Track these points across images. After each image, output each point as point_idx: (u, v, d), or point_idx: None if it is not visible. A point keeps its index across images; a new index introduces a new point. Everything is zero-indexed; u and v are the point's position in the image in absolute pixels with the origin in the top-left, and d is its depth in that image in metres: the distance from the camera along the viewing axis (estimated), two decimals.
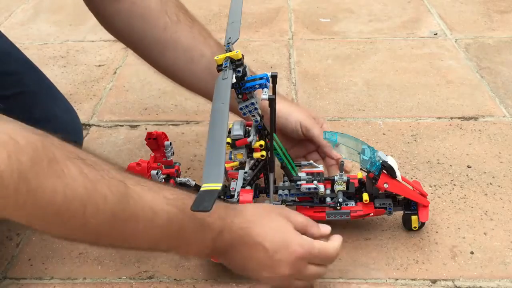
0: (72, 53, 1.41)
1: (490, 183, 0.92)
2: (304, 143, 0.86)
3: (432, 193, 0.90)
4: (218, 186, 0.50)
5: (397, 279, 0.76)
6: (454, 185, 0.92)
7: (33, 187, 0.53)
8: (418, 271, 0.77)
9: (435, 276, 0.76)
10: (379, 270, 0.77)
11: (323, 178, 0.79)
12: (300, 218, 0.70)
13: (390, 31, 1.48)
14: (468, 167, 0.96)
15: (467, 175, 0.95)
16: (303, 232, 0.68)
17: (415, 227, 0.80)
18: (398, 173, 0.76)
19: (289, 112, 0.84)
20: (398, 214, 0.82)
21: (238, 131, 0.72)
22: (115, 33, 0.89)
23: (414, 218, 0.79)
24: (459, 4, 1.63)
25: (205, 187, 0.50)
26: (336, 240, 0.70)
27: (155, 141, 0.80)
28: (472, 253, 0.79)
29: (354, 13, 1.60)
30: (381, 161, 0.75)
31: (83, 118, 1.14)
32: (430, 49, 1.38)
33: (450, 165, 0.97)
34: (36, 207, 0.55)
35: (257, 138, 0.73)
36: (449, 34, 1.45)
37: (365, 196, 0.77)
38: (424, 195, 0.79)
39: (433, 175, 0.94)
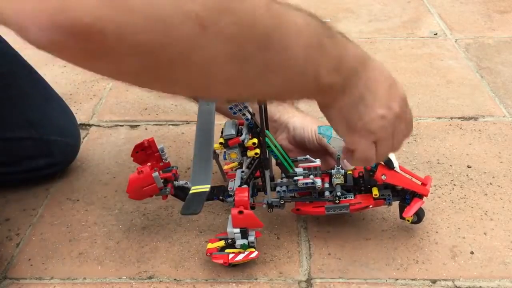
0: None
1: (490, 183, 0.92)
2: (326, 158, 0.86)
3: (432, 193, 0.90)
4: (206, 188, 0.49)
5: (397, 279, 0.76)
6: (454, 185, 0.92)
7: None
8: (418, 271, 0.77)
9: (435, 276, 0.76)
10: (379, 270, 0.77)
11: (320, 172, 0.79)
12: None
13: (390, 31, 1.48)
14: (468, 167, 0.96)
15: (467, 175, 0.95)
16: None
17: (408, 220, 0.79)
18: (395, 164, 0.76)
19: (304, 123, 0.85)
20: (398, 213, 0.82)
21: (230, 131, 0.72)
22: None
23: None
24: (459, 4, 1.63)
25: (194, 189, 0.50)
26: None
27: (143, 152, 0.79)
28: (472, 253, 0.79)
29: (354, 13, 1.60)
30: None
31: (83, 118, 1.14)
32: (430, 49, 1.38)
33: (450, 165, 0.97)
34: None
35: (250, 137, 0.73)
36: (449, 34, 1.45)
37: (375, 191, 0.77)
38: (424, 184, 0.78)
39: (433, 175, 0.94)
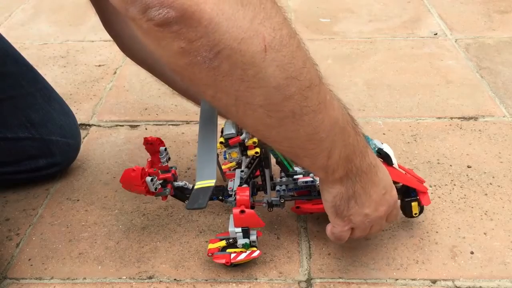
0: (72, 53, 1.41)
1: (490, 183, 0.92)
2: None
3: (432, 193, 0.90)
4: (211, 182, 0.50)
5: (397, 279, 0.76)
6: (454, 185, 0.92)
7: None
8: (418, 271, 0.77)
9: (435, 276, 0.76)
10: (379, 270, 0.77)
11: None
12: None
13: (390, 31, 1.48)
14: (468, 167, 0.96)
15: (467, 175, 0.95)
16: None
17: (415, 214, 0.79)
18: (394, 160, 0.76)
19: None
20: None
21: (230, 130, 0.72)
22: (134, 55, 0.88)
23: (414, 204, 0.78)
24: (459, 4, 1.63)
25: (199, 184, 0.50)
26: None
27: (152, 146, 0.79)
28: (472, 253, 0.79)
29: (354, 13, 1.60)
30: (376, 149, 0.75)
31: (83, 118, 1.14)
32: (430, 49, 1.38)
33: (450, 165, 0.97)
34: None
35: (250, 136, 0.73)
36: (449, 34, 1.45)
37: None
38: (421, 181, 0.78)
39: (433, 175, 0.94)
